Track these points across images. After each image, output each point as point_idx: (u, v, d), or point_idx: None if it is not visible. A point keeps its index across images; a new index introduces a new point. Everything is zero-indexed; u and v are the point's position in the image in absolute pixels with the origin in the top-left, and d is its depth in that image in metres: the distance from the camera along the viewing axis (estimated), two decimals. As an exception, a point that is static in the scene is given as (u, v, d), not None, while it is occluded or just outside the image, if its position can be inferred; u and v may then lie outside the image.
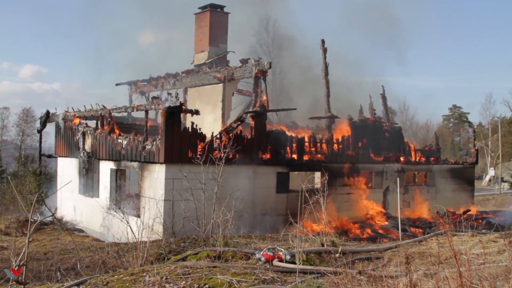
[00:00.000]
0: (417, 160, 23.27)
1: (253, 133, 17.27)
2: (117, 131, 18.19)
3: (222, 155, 13.66)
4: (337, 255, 9.64)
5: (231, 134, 16.34)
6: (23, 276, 5.91)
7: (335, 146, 19.94)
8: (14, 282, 5.94)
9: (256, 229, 14.86)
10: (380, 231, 18.65)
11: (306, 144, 19.11)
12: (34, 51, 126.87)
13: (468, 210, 22.95)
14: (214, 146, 15.87)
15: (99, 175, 18.93)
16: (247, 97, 23.20)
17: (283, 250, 9.12)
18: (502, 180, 47.75)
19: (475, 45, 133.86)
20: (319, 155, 19.30)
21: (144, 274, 7.84)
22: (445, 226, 14.15)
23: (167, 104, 15.42)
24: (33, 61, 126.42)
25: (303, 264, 8.60)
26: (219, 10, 23.24)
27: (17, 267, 5.76)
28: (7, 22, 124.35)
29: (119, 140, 17.38)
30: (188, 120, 17.61)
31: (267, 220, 16.15)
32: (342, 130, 20.77)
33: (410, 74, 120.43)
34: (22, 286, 6.01)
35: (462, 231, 12.38)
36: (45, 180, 24.14)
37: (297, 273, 7.96)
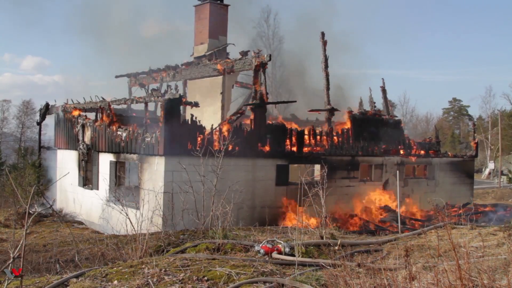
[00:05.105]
0: (416, 153, 23.26)
1: (252, 126, 17.22)
2: (116, 123, 18.15)
3: (221, 147, 13.63)
4: (336, 247, 9.65)
5: (230, 127, 16.31)
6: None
7: (335, 138, 19.91)
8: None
9: (256, 221, 14.87)
10: (380, 224, 18.67)
11: (306, 136, 19.07)
12: (36, 43, 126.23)
13: (468, 203, 22.97)
14: (214, 138, 15.84)
15: (98, 167, 18.91)
16: (247, 90, 23.12)
17: (282, 242, 9.11)
18: (502, 174, 47.78)
19: (475, 39, 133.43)
20: (318, 148, 19.27)
21: (143, 266, 7.84)
22: (444, 219, 14.15)
23: (166, 97, 15.38)
24: (34, 52, 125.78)
25: (302, 257, 8.60)
26: (218, 2, 23.11)
27: (13, 259, 5.72)
28: (9, 14, 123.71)
29: (119, 132, 17.34)
30: (188, 113, 17.57)
31: (266, 212, 16.17)
32: (342, 123, 20.73)
33: (410, 67, 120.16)
34: (19, 279, 5.99)
35: (461, 224, 12.37)
36: (45, 172, 24.09)
37: (296, 266, 7.96)
